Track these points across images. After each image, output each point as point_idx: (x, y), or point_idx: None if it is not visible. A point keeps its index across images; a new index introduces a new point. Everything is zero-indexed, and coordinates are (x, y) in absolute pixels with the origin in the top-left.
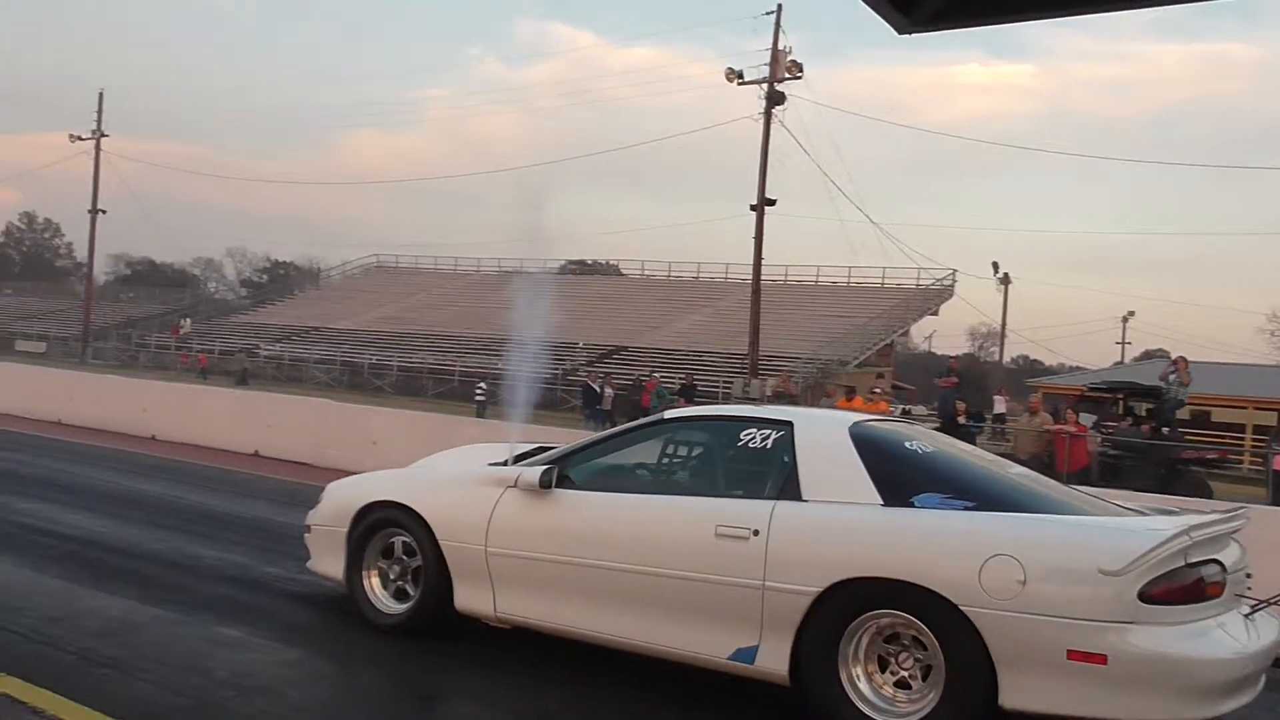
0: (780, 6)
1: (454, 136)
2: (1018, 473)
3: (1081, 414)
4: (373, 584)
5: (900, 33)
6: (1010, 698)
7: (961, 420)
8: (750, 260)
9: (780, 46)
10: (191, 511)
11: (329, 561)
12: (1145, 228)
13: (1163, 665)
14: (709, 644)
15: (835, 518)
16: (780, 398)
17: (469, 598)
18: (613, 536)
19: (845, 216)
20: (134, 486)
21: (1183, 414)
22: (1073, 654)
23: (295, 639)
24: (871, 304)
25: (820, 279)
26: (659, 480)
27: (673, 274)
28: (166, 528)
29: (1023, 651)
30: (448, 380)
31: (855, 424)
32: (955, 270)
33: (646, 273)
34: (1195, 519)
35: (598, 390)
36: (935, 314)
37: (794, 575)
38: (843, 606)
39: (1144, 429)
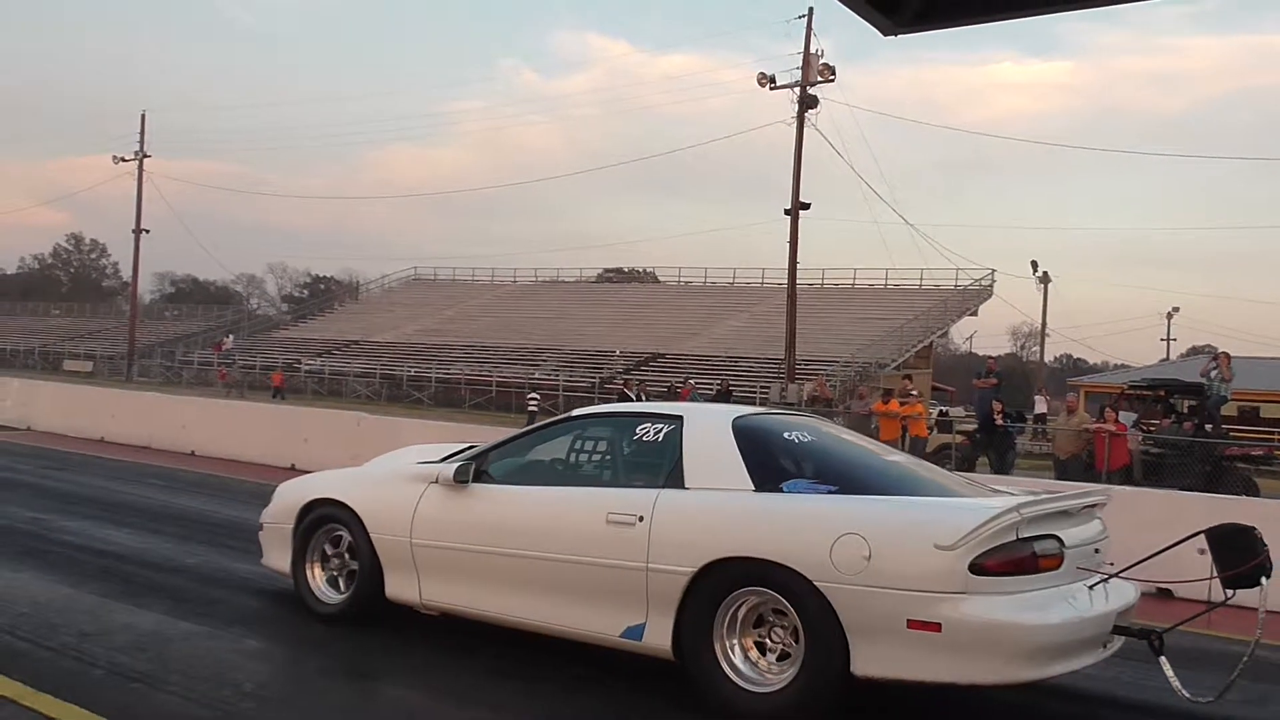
0: (811, 10)
1: (491, 148)
2: (896, 460)
3: (1121, 412)
4: (315, 576)
5: (885, 34)
6: (861, 665)
7: (999, 420)
8: (786, 265)
9: (812, 50)
10: (226, 526)
11: (278, 557)
12: (1189, 222)
13: (992, 631)
14: (603, 623)
15: (710, 503)
16: (816, 402)
17: (398, 587)
18: (521, 526)
19: (881, 219)
20: (171, 502)
21: (1229, 410)
22: (912, 623)
23: (312, 649)
24: (909, 306)
25: (857, 282)
26: (565, 473)
27: (709, 280)
28: (201, 542)
29: (869, 622)
30: (485, 391)
31: (739, 417)
32: (994, 270)
33: (683, 279)
34: (1028, 498)
35: (633, 398)
36: (975, 314)
37: (673, 557)
38: (715, 585)
39: (1186, 426)
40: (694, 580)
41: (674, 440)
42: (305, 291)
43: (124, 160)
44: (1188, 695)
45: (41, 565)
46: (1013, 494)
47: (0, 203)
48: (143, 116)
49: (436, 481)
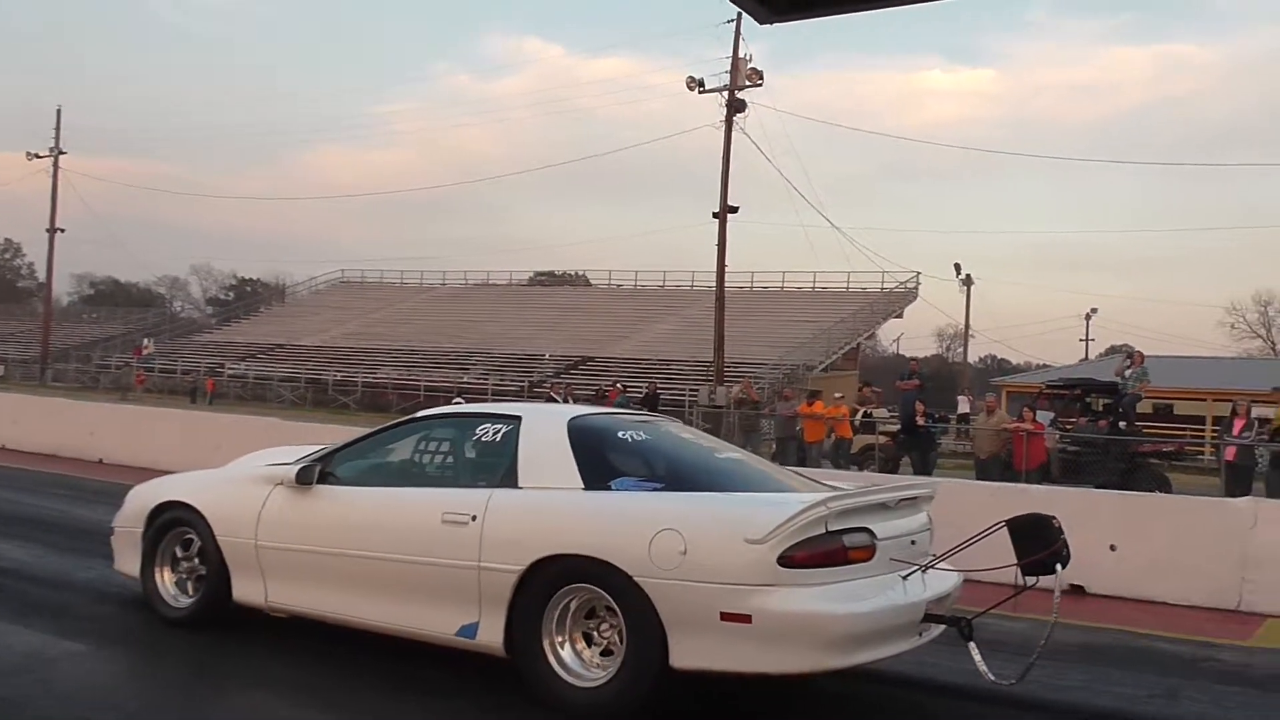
0: (740, 15)
1: (425, 151)
2: (730, 457)
3: (1039, 412)
4: (164, 580)
5: (761, 23)
6: (678, 658)
7: (921, 422)
8: (715, 268)
9: (741, 54)
10: None
11: (129, 561)
12: (1107, 226)
13: (801, 621)
14: (439, 622)
15: (539, 501)
16: (744, 404)
17: (244, 589)
18: (361, 527)
19: (809, 223)
20: (70, 512)
21: (1145, 408)
22: (724, 615)
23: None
24: (837, 308)
25: (786, 285)
26: (407, 474)
27: (639, 283)
28: (100, 555)
29: (685, 615)
30: (413, 395)
31: (575, 417)
32: (919, 273)
33: (614, 282)
34: (840, 493)
35: (560, 402)
36: (900, 316)
37: (503, 555)
38: (544, 582)
39: (1101, 424)
40: (523, 578)
41: (511, 440)
42: (231, 294)
43: (39, 157)
44: (993, 678)
45: None
46: (838, 489)
47: None
48: (58, 112)
49: (283, 483)
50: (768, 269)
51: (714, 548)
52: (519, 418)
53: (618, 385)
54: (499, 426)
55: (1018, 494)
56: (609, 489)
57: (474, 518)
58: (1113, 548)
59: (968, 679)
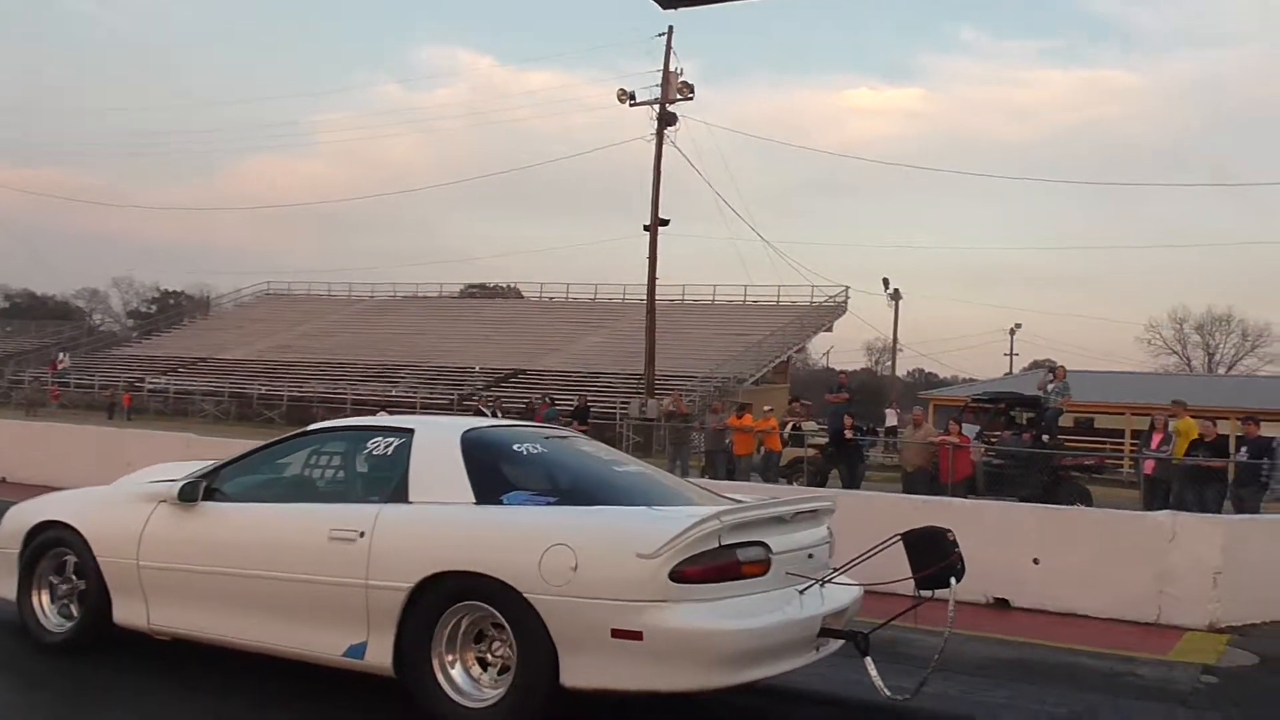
0: (671, 29)
1: (353, 161)
2: (628, 470)
3: (965, 425)
4: (42, 603)
5: (665, 8)
6: (569, 676)
7: (849, 435)
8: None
9: (672, 68)
10: None
11: (4, 584)
12: (1031, 243)
13: (692, 638)
14: (326, 643)
15: (429, 517)
16: (674, 417)
17: (125, 612)
18: (246, 545)
19: (739, 236)
20: None
21: (1066, 421)
22: (615, 632)
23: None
24: (767, 321)
25: (717, 298)
26: (296, 489)
27: (571, 295)
28: None
29: (576, 633)
30: (340, 409)
31: (468, 430)
32: (848, 287)
33: (545, 295)
34: (733, 506)
35: (489, 415)
36: (830, 330)
37: (392, 573)
38: (433, 600)
39: (1025, 437)
40: (412, 596)
41: (403, 454)
42: (153, 307)
43: None
44: (888, 694)
45: None
46: (737, 501)
47: None
48: None
49: (166, 501)
50: (699, 282)
51: (605, 563)
52: (412, 430)
53: (546, 398)
54: (391, 440)
55: (942, 507)
56: (501, 503)
57: (362, 534)
58: (1036, 561)
59: (867, 692)
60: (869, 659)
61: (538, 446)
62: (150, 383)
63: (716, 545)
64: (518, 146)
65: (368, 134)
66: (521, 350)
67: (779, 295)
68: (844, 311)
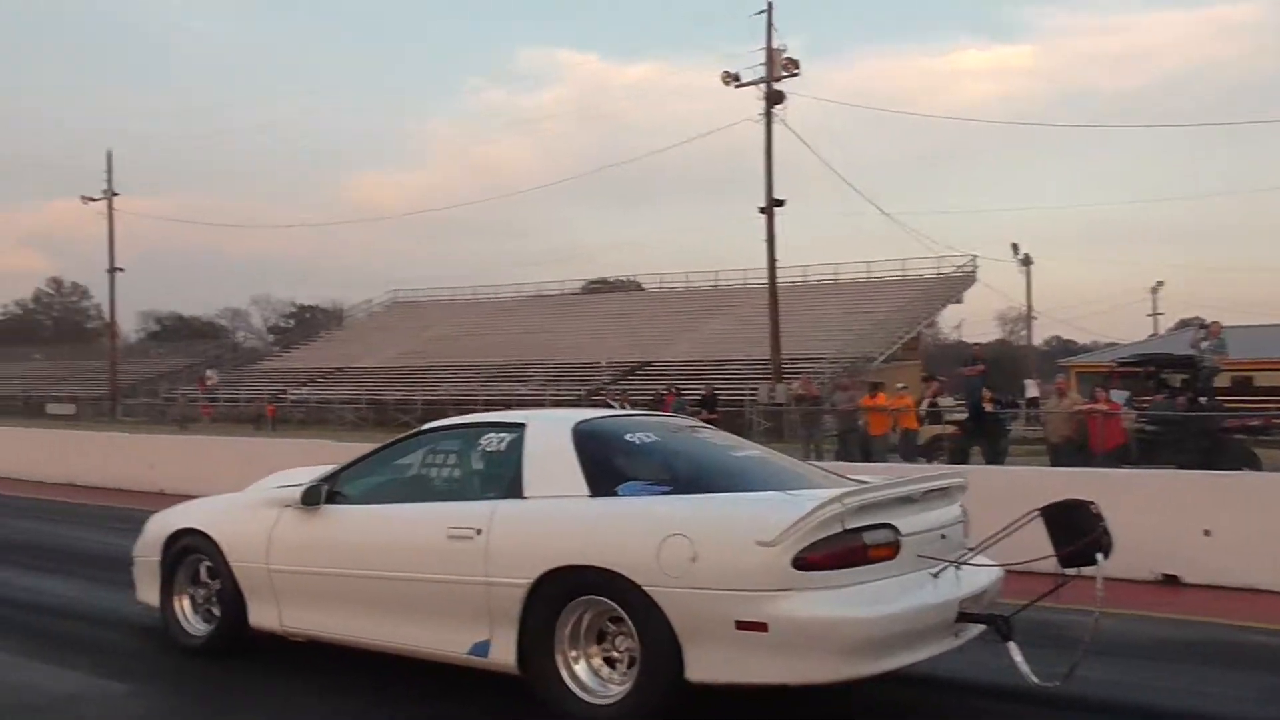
0: (771, 5)
1: (466, 167)
2: (747, 455)
3: (1113, 391)
4: (183, 608)
5: None
6: (694, 671)
7: (989, 408)
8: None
9: (775, 46)
10: None
11: (149, 590)
12: (1167, 195)
13: (818, 628)
14: (451, 641)
15: (544, 512)
16: (803, 400)
17: (259, 615)
18: (367, 546)
19: (858, 210)
20: (122, 545)
21: (1223, 381)
22: (740, 624)
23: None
24: (893, 297)
25: (840, 277)
26: (413, 489)
27: (691, 284)
28: None
29: (699, 625)
30: (472, 410)
31: (580, 422)
32: (976, 256)
33: (665, 285)
34: (856, 487)
35: (618, 408)
36: (959, 302)
37: (510, 569)
38: (553, 595)
39: (1179, 401)
40: (532, 592)
41: (516, 449)
42: (290, 321)
43: (92, 200)
44: (1035, 679)
45: None
46: (859, 482)
47: None
48: (109, 155)
49: (291, 505)
50: (821, 261)
51: (724, 552)
52: (523, 425)
53: (672, 389)
54: (503, 435)
55: (1097, 479)
56: (615, 495)
57: (479, 531)
58: (1207, 533)
59: (1014, 678)
60: (1012, 643)
61: (650, 435)
62: (292, 394)
63: (840, 529)
64: (626, 141)
65: (478, 140)
66: (646, 342)
67: (904, 269)
68: (973, 281)
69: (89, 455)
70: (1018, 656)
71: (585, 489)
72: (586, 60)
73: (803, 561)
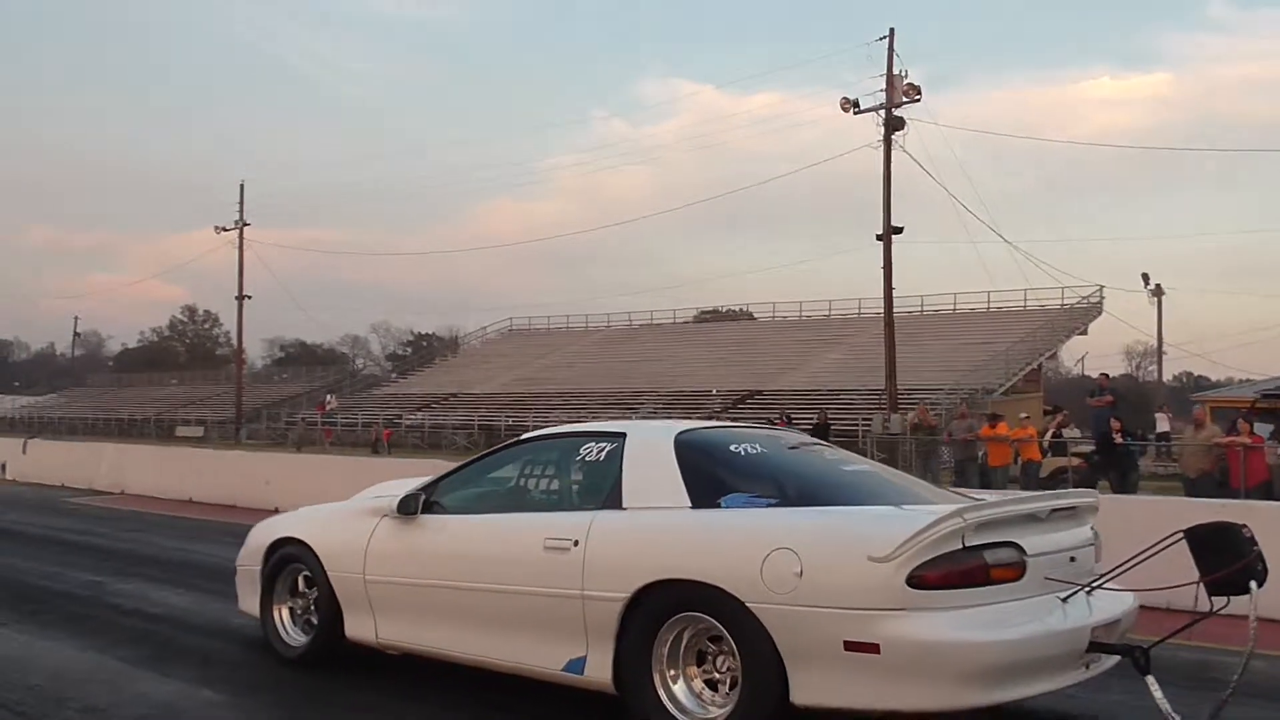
0: (892, 30)
1: (584, 198)
2: (857, 469)
3: (1256, 424)
4: (283, 617)
5: None
6: (800, 694)
7: (1118, 439)
8: (881, 293)
9: (895, 71)
10: None
11: (250, 600)
12: None
13: (934, 651)
14: (545, 656)
15: (644, 523)
16: (919, 430)
17: (355, 626)
18: (463, 557)
19: (978, 238)
20: (233, 558)
21: None
22: (849, 645)
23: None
24: (1014, 328)
25: (958, 307)
26: (510, 499)
27: (805, 314)
28: None
29: (805, 645)
30: None
31: (683, 432)
32: (1102, 286)
33: (778, 315)
34: (980, 503)
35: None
36: (1084, 333)
37: (607, 582)
38: (652, 611)
39: None
40: (629, 607)
41: (615, 459)
42: (408, 349)
43: (225, 230)
44: (1177, 718)
45: (79, 631)
46: (981, 500)
47: (122, 278)
48: (241, 186)
49: (388, 514)
50: (939, 292)
51: (833, 568)
52: (623, 435)
53: (784, 416)
54: (603, 445)
55: (1244, 511)
56: (719, 507)
57: (576, 543)
58: None
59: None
60: (1151, 677)
61: (756, 447)
62: (407, 419)
63: (960, 546)
64: (743, 171)
65: (596, 170)
66: (757, 371)
67: (1025, 299)
68: (1099, 313)
69: (210, 474)
70: (1157, 692)
71: (686, 500)
72: (704, 91)
73: (919, 580)
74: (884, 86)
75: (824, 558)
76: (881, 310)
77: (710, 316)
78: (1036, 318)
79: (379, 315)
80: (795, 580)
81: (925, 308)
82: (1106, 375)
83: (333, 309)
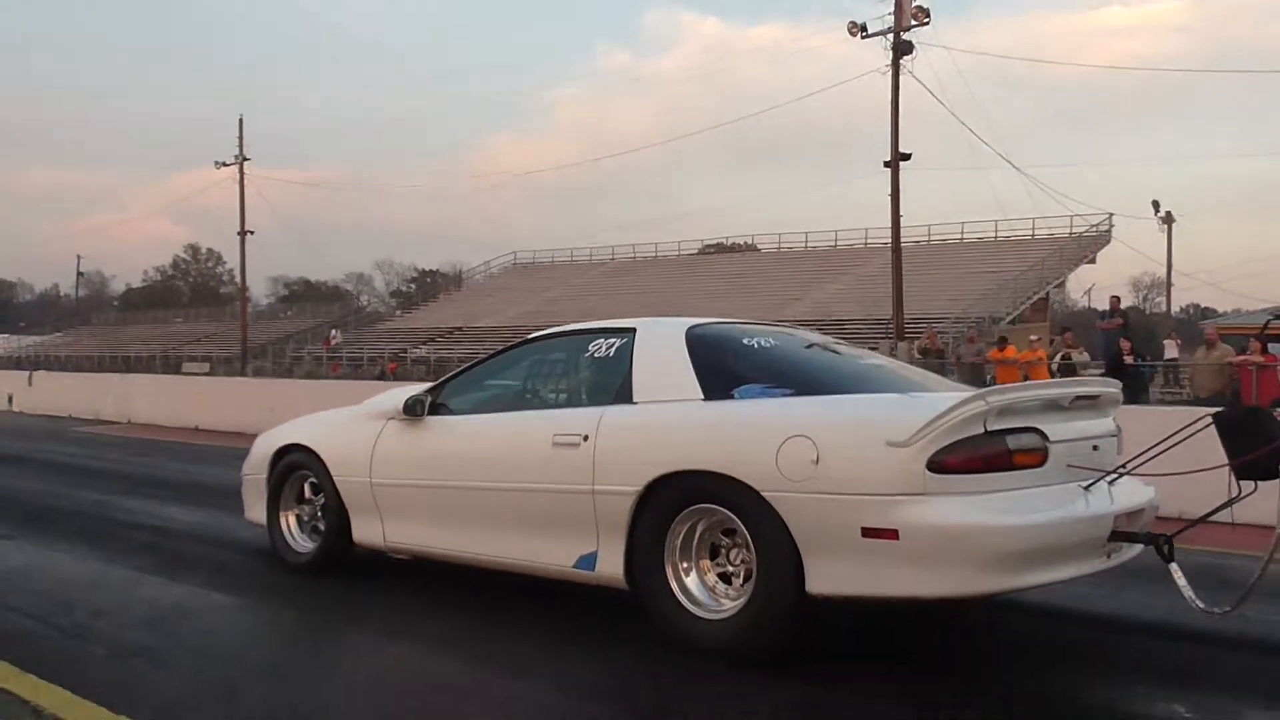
0: None
1: (588, 132)
2: (875, 363)
3: (1270, 344)
4: (289, 525)
5: None
6: (816, 583)
7: (1128, 360)
8: (889, 223)
9: None
10: None
11: (256, 508)
12: None
13: (954, 536)
14: (556, 554)
15: (654, 416)
16: (927, 354)
17: (362, 530)
18: (470, 457)
19: (988, 165)
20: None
21: None
22: (866, 531)
23: (354, 623)
24: (1022, 257)
25: (965, 236)
26: (519, 398)
27: (810, 245)
28: None
29: (821, 533)
30: None
31: (694, 326)
32: (1111, 214)
33: (783, 246)
34: (1002, 389)
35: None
36: (1093, 262)
37: (618, 476)
38: (663, 504)
39: None
40: (641, 500)
41: (625, 354)
42: (412, 286)
43: (225, 165)
44: (1201, 605)
45: (86, 544)
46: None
47: (125, 217)
48: (240, 120)
49: (394, 417)
50: (945, 222)
51: (851, 453)
52: (633, 330)
53: None
54: (612, 341)
55: None
56: (732, 399)
57: (585, 438)
58: None
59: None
60: (1174, 565)
61: (770, 340)
62: (412, 352)
63: (982, 431)
64: (748, 105)
65: (599, 105)
66: (763, 303)
67: (1033, 228)
68: (1108, 241)
69: (214, 402)
70: (1181, 579)
71: (699, 393)
72: (708, 23)
73: (939, 464)
74: (891, 10)
75: (841, 444)
76: (887, 241)
77: (715, 249)
78: (1045, 246)
79: (383, 253)
80: (811, 468)
81: (932, 237)
82: (1117, 298)
83: (337, 247)
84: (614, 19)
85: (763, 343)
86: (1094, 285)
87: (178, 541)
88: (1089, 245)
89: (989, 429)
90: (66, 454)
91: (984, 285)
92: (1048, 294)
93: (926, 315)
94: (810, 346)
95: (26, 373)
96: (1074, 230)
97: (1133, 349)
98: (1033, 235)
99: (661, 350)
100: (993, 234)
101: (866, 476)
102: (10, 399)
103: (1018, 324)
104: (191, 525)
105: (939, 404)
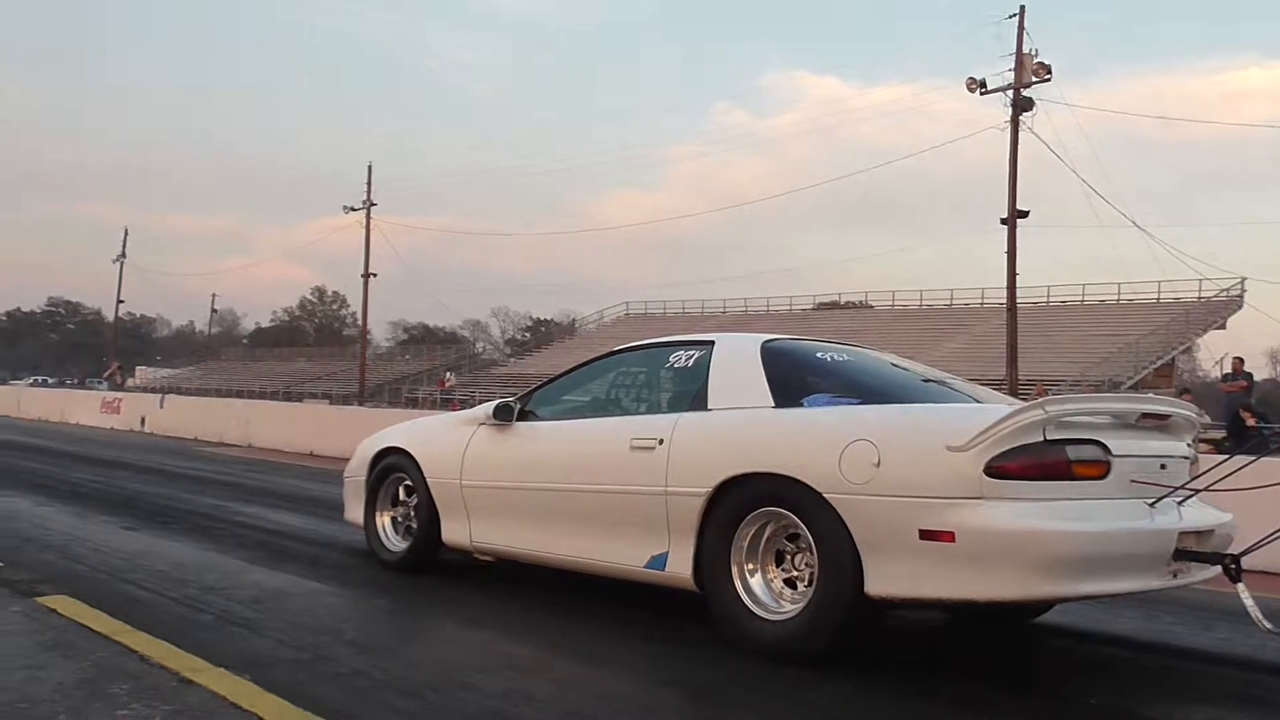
0: (1023, 7)
1: (704, 188)
2: (948, 379)
3: None
4: (385, 525)
5: None
6: (874, 584)
7: (1250, 423)
8: (1004, 282)
9: (1025, 50)
10: None
11: (355, 509)
12: None
13: (1010, 540)
14: (628, 555)
15: (726, 421)
16: None
17: (452, 531)
18: (553, 460)
19: (1111, 223)
20: None
21: None
22: (924, 533)
23: (439, 611)
24: (1146, 320)
25: (1086, 298)
26: (601, 405)
27: (925, 303)
28: None
29: (880, 535)
30: None
31: (770, 339)
32: (1244, 279)
33: (897, 304)
34: (1059, 397)
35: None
36: (1223, 328)
37: (690, 478)
38: (731, 505)
39: None
40: (710, 502)
41: (703, 365)
42: (527, 334)
43: (353, 209)
44: (1269, 626)
45: (201, 537)
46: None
47: (257, 259)
48: (369, 168)
49: (485, 422)
50: (1066, 284)
51: (911, 457)
52: (712, 342)
53: None
54: (691, 352)
55: None
56: (801, 406)
57: (661, 441)
58: None
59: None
60: (1242, 585)
61: (843, 355)
62: None
63: (1041, 439)
64: (863, 160)
65: (716, 162)
66: None
67: (1159, 291)
68: (1239, 306)
69: (332, 428)
70: (1248, 599)
71: (770, 400)
72: (826, 82)
73: (997, 469)
74: (1012, 67)
75: (902, 448)
76: (1003, 300)
77: (828, 306)
78: (1171, 310)
79: (500, 301)
80: (873, 470)
81: (1051, 298)
82: (1240, 359)
83: (456, 295)
84: (731, 79)
85: (835, 357)
86: (1226, 354)
87: (284, 540)
88: (1219, 310)
89: (1048, 438)
90: (190, 467)
91: (1105, 348)
92: (1174, 360)
93: (1043, 376)
94: (880, 356)
95: (159, 396)
96: (1203, 294)
97: (1254, 413)
98: (1158, 299)
99: (737, 360)
100: (1115, 295)
101: (925, 479)
102: (143, 420)
103: (1140, 389)
104: (297, 528)
105: (998, 411)
